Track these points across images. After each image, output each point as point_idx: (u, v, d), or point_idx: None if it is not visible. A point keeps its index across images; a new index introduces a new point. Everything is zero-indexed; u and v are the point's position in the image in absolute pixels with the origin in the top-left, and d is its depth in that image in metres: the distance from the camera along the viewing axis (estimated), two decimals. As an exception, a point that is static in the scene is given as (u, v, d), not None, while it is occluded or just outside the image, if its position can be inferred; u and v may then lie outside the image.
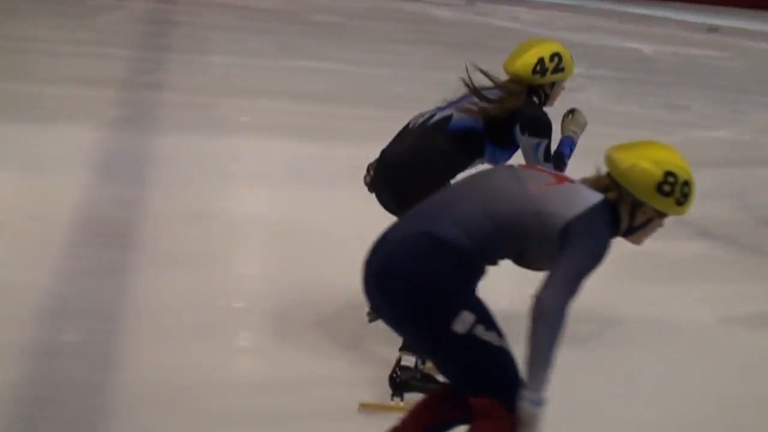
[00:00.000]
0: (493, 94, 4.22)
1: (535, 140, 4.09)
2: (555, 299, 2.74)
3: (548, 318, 2.72)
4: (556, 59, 4.24)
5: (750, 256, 6.53)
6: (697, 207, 7.75)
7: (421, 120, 4.23)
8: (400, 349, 3.99)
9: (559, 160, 4.13)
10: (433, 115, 4.21)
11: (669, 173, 2.98)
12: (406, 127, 4.32)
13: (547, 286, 2.76)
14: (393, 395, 3.95)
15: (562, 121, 4.33)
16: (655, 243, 6.37)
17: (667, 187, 2.98)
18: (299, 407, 3.92)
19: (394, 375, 3.94)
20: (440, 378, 3.64)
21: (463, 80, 4.25)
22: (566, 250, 2.81)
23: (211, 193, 6.61)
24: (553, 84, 4.28)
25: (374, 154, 4.29)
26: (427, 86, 12.28)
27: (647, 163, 2.98)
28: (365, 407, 3.93)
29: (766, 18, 24.07)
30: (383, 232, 3.01)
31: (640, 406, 4.21)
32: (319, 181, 7.15)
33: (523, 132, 4.11)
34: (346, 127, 8.97)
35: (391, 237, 2.95)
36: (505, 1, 23.06)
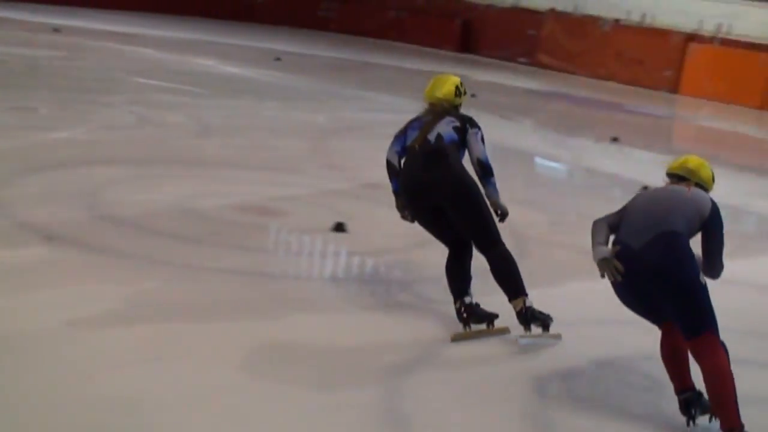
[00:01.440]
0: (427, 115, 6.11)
1: (476, 130, 5.98)
2: (722, 265, 4.90)
3: (719, 273, 4.92)
4: (462, 86, 6.18)
5: (94, 256, 6.66)
6: (43, 210, 7.75)
7: (420, 144, 5.91)
8: (511, 299, 5.69)
9: None
10: (427, 138, 5.91)
11: (711, 170, 5.07)
12: (409, 156, 5.95)
13: (718, 265, 4.86)
14: (528, 328, 5.68)
15: None
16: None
17: (714, 178, 5.07)
18: None
19: (523, 310, 5.63)
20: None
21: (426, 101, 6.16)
22: (716, 234, 4.83)
23: None
24: (461, 103, 6.15)
25: None
26: None
27: (707, 168, 5.03)
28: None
29: (106, 18, 24.80)
30: (621, 250, 4.73)
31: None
32: None
33: (469, 127, 5.98)
34: None
35: (638, 247, 4.69)
36: None
